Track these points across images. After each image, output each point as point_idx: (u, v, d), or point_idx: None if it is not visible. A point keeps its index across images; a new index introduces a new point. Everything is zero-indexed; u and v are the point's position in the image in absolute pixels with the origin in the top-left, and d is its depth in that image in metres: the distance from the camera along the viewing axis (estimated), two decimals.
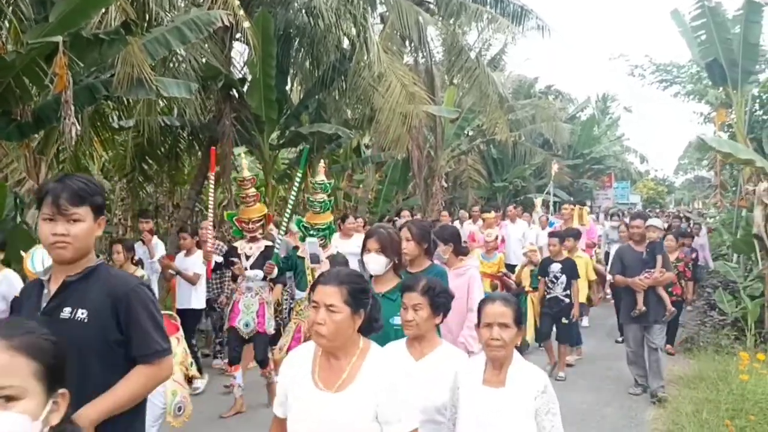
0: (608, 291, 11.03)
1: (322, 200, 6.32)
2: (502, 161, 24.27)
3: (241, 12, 9.41)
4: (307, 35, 11.36)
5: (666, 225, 7.48)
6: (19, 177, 7.06)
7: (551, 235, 8.84)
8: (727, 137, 13.02)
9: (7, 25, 7.05)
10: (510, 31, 16.40)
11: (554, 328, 8.20)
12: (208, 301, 8.18)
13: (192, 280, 7.65)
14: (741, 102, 11.68)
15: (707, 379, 6.66)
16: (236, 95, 11.27)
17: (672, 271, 7.27)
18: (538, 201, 13.44)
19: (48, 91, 6.89)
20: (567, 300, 7.90)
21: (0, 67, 6.29)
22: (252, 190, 6.69)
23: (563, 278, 7.93)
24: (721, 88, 12.57)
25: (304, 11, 11.10)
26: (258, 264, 6.50)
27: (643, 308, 6.86)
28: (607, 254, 12.05)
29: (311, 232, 6.23)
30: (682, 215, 20.15)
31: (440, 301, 3.12)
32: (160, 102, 10.05)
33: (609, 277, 9.56)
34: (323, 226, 6.30)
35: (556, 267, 8.06)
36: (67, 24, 6.40)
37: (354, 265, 6.27)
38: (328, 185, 6.46)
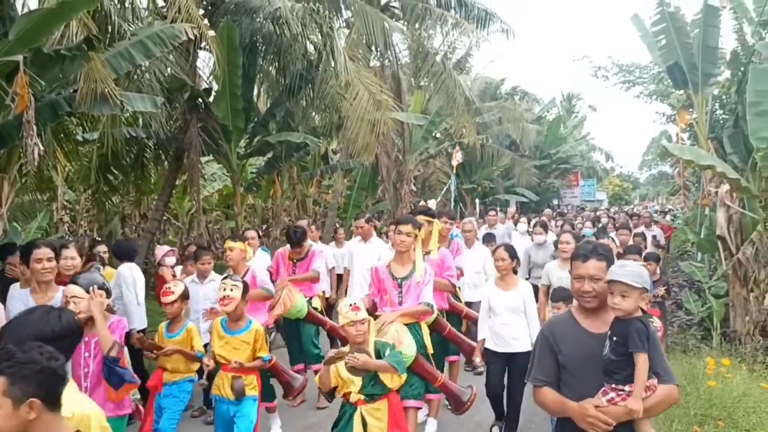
0: (477, 359, 5.80)
1: None
2: (470, 164, 24.48)
3: (205, 21, 9.30)
4: (274, 44, 11.28)
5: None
6: None
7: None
8: (688, 137, 13.28)
9: None
10: (475, 35, 16.58)
11: None
12: None
13: None
14: (702, 103, 11.94)
15: None
16: (202, 105, 11.17)
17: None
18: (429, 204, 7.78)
19: (9, 110, 6.72)
20: None
21: None
22: None
23: None
24: (682, 91, 12.82)
25: (269, 20, 11.00)
26: None
27: None
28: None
29: None
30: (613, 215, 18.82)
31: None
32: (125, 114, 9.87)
33: (482, 333, 5.63)
34: None
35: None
36: (28, 41, 6.24)
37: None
38: None
